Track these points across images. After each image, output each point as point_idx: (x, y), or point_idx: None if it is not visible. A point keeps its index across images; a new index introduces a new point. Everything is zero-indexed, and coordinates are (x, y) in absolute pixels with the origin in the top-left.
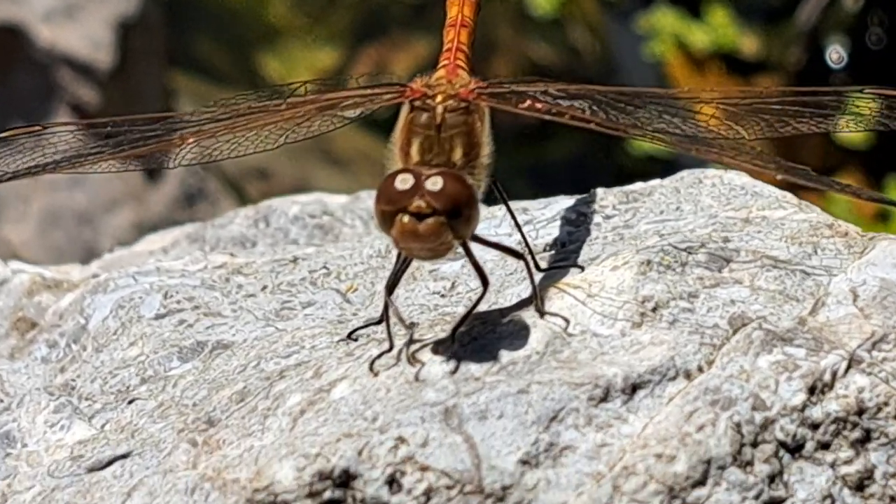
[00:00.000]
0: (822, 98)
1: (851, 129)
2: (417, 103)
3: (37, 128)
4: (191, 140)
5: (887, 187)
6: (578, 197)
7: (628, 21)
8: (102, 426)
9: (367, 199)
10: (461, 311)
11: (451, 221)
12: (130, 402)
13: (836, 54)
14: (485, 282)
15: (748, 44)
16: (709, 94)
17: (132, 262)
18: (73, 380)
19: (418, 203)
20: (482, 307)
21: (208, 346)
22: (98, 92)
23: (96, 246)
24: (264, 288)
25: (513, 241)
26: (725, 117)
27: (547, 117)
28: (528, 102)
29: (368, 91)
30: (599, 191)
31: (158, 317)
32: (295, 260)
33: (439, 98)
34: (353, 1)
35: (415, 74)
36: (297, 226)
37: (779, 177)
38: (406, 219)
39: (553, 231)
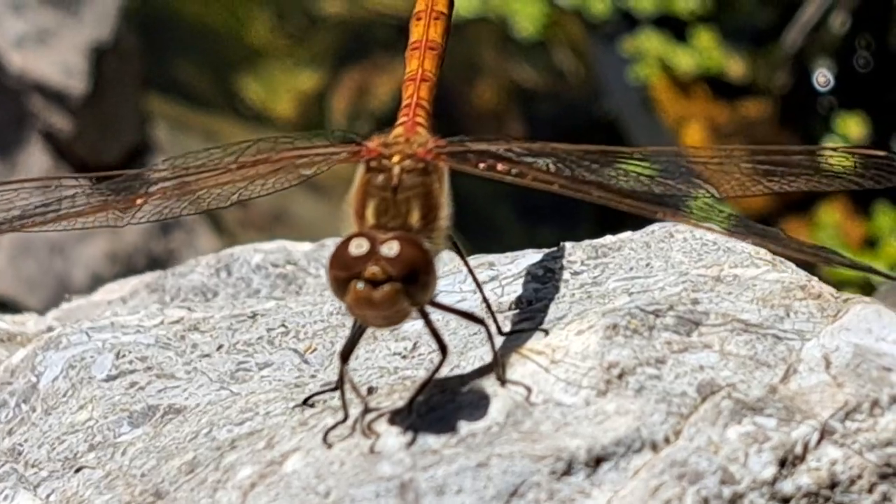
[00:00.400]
0: (794, 157)
1: (823, 187)
2: (374, 163)
3: None
4: (139, 202)
5: (874, 213)
6: (546, 251)
7: (613, 44)
8: (47, 496)
9: (332, 247)
10: (422, 374)
11: (408, 288)
12: (77, 470)
13: (822, 77)
14: (443, 350)
15: (734, 67)
16: (677, 151)
17: (89, 312)
18: (21, 444)
19: (373, 269)
20: (441, 373)
21: (160, 410)
22: (71, 119)
23: (68, 276)
24: (220, 347)
25: (477, 297)
26: (695, 175)
27: (508, 179)
28: (489, 162)
29: (322, 150)
30: (568, 245)
31: (109, 378)
32: (254, 316)
33: (396, 158)
34: (336, 23)
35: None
36: (259, 275)
37: (748, 241)
38: (360, 286)
39: (518, 288)
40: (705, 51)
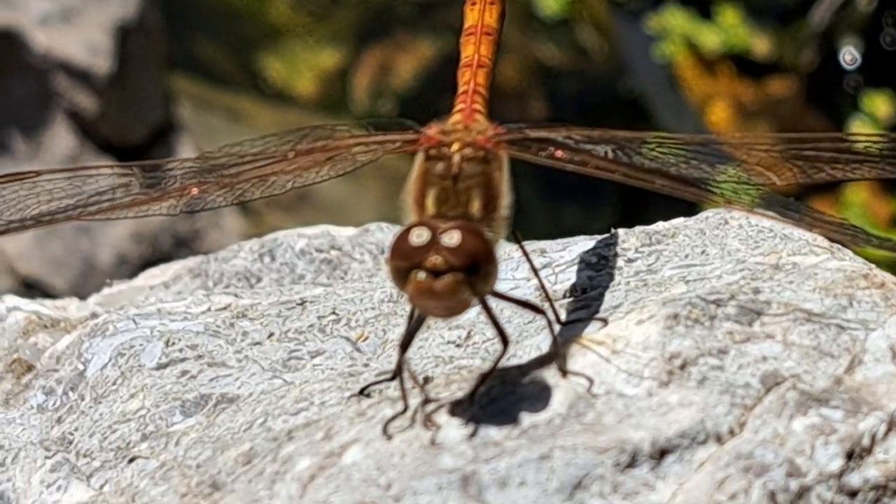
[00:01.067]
0: (855, 143)
1: (889, 173)
2: (433, 152)
3: (31, 174)
4: (195, 192)
5: None
6: (599, 238)
7: (638, 21)
8: (101, 487)
9: (377, 232)
10: (478, 363)
11: (469, 278)
12: (131, 460)
13: (849, 55)
14: (505, 340)
15: (760, 45)
16: (739, 139)
17: (132, 298)
18: (71, 433)
19: (434, 259)
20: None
21: (212, 399)
22: (96, 98)
23: (94, 257)
24: (271, 335)
25: (531, 285)
26: (756, 162)
27: (570, 167)
28: (550, 150)
29: (381, 138)
30: (621, 232)
31: (160, 366)
32: (302, 303)
33: (456, 146)
34: (357, 0)
35: (429, 119)
36: (303, 260)
37: (814, 230)
38: (421, 276)
39: (572, 276)
40: (731, 28)
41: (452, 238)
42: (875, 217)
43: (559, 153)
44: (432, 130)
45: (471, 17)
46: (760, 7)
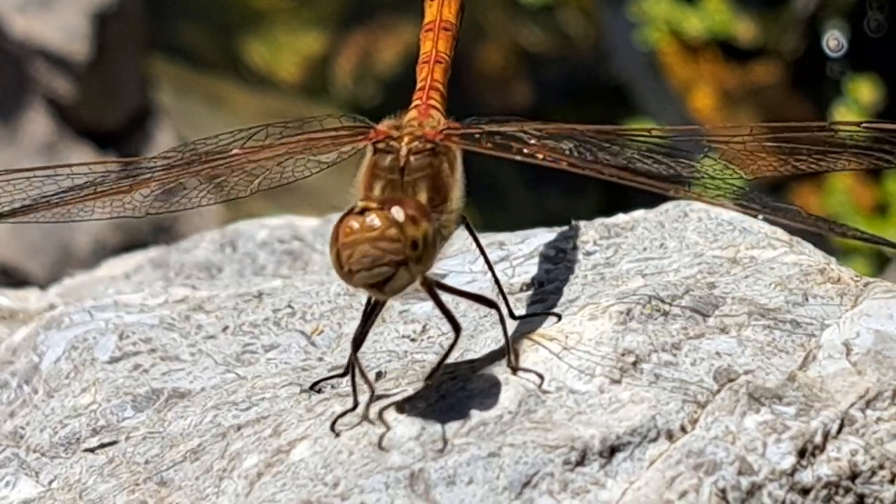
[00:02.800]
0: (819, 134)
1: (853, 166)
2: (381, 145)
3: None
4: (144, 189)
5: (885, 179)
6: (558, 230)
7: (621, 7)
8: (50, 483)
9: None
10: (432, 358)
11: (401, 223)
12: (80, 456)
13: (834, 41)
14: (456, 328)
15: (744, 30)
16: (697, 129)
17: (93, 289)
18: (23, 427)
19: (365, 204)
20: (452, 358)
21: (164, 394)
22: (74, 84)
23: (72, 243)
24: (225, 329)
25: (488, 279)
26: (719, 156)
27: (519, 158)
28: (498, 141)
29: (331, 133)
30: (581, 224)
31: (113, 360)
32: (259, 295)
33: (405, 140)
34: None
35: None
36: (265, 251)
37: (760, 217)
38: (351, 221)
39: (530, 269)
40: (715, 14)
41: (390, 205)
42: (858, 204)
43: (510, 145)
44: (384, 125)
45: (430, 12)
46: None
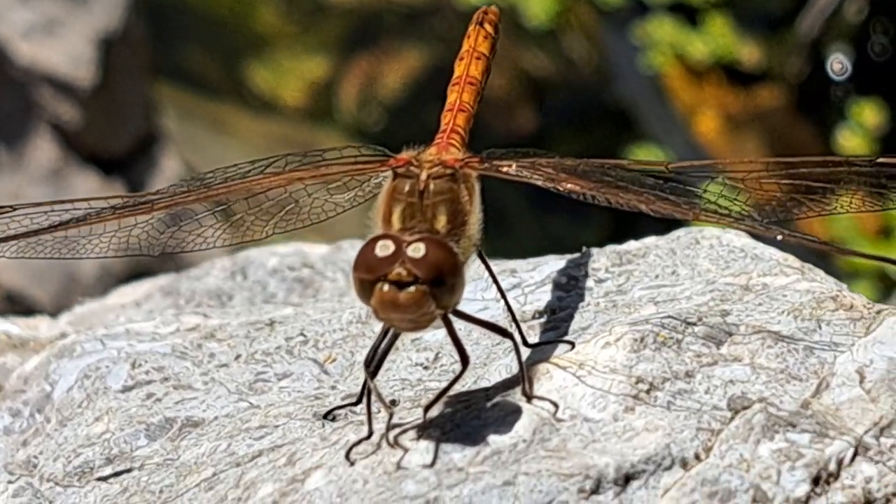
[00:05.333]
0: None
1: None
2: (402, 170)
3: (6, 209)
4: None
5: None
6: (569, 257)
7: (625, 30)
8: None
9: (349, 250)
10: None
11: (434, 290)
12: (100, 479)
13: (838, 64)
14: (465, 360)
15: (748, 54)
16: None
17: (103, 317)
18: (36, 456)
19: (399, 271)
20: (466, 386)
21: (177, 422)
22: (79, 110)
23: (78, 270)
24: (238, 357)
25: (500, 306)
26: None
27: (539, 183)
28: (515, 167)
29: (351, 162)
30: (592, 251)
31: (125, 389)
32: (271, 323)
33: (425, 165)
34: (344, 10)
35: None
36: (275, 279)
37: (778, 237)
38: (386, 288)
39: (542, 296)
40: (719, 37)
41: (417, 250)
42: (862, 227)
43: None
44: (403, 154)
45: (458, 69)
46: (748, 15)
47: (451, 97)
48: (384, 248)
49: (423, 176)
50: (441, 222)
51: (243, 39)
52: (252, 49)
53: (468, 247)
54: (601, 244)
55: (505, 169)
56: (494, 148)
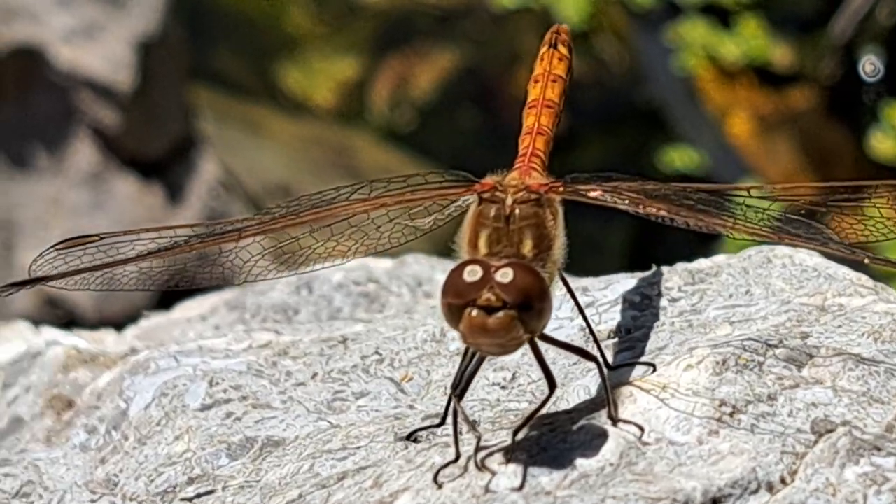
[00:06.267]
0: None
1: None
2: (486, 195)
3: (94, 238)
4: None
5: None
6: (641, 276)
7: (658, 32)
8: None
9: (413, 265)
10: (524, 406)
11: (523, 315)
12: (184, 500)
13: (870, 66)
14: (552, 385)
15: (780, 56)
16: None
17: (170, 331)
18: (116, 474)
19: (488, 296)
20: (547, 408)
21: (258, 442)
22: (119, 114)
23: None
24: (314, 375)
25: (574, 325)
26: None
27: (622, 207)
28: (599, 192)
29: (436, 187)
30: (663, 269)
31: (204, 407)
32: (344, 341)
33: (510, 191)
34: (375, 11)
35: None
36: (341, 293)
37: (866, 262)
38: (475, 313)
39: (616, 315)
40: (751, 39)
41: (506, 275)
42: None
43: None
44: (488, 179)
45: (533, 92)
46: (781, 17)
47: (529, 120)
48: (473, 274)
49: (509, 201)
50: (527, 247)
51: (274, 40)
52: (284, 50)
53: (553, 271)
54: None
55: (591, 193)
56: (577, 173)
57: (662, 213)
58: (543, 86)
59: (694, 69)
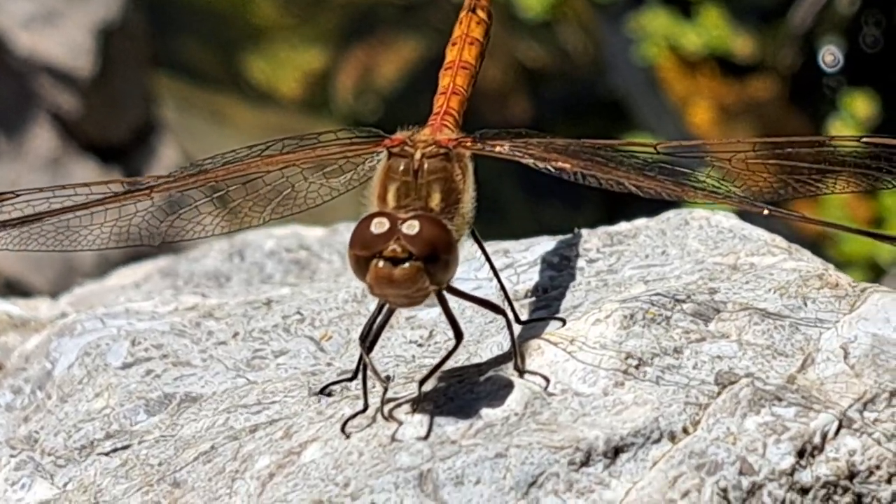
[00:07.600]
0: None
1: (851, 188)
2: (396, 150)
3: (9, 195)
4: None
5: (880, 193)
6: (561, 238)
7: (620, 22)
8: (65, 485)
9: (345, 233)
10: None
11: (429, 267)
12: (101, 453)
13: (829, 56)
14: (458, 335)
15: (741, 45)
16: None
17: (103, 298)
18: (37, 431)
19: (394, 247)
20: (459, 361)
21: (176, 398)
22: (78, 99)
23: (76, 256)
24: (235, 335)
25: (493, 285)
26: (723, 174)
27: (530, 163)
28: (508, 147)
29: (346, 143)
30: (584, 232)
31: (125, 366)
32: (269, 303)
33: (420, 145)
34: (341, 1)
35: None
36: (272, 260)
37: (766, 213)
38: (381, 264)
39: (534, 276)
40: (713, 29)
41: (412, 227)
42: (854, 217)
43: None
44: (398, 135)
45: (450, 54)
46: (742, 7)
47: (444, 81)
48: (379, 226)
49: (418, 155)
50: (435, 200)
51: (241, 31)
52: (249, 40)
53: (462, 225)
54: (597, 226)
55: (498, 148)
56: (487, 129)
57: (569, 168)
58: (460, 48)
59: (656, 59)
